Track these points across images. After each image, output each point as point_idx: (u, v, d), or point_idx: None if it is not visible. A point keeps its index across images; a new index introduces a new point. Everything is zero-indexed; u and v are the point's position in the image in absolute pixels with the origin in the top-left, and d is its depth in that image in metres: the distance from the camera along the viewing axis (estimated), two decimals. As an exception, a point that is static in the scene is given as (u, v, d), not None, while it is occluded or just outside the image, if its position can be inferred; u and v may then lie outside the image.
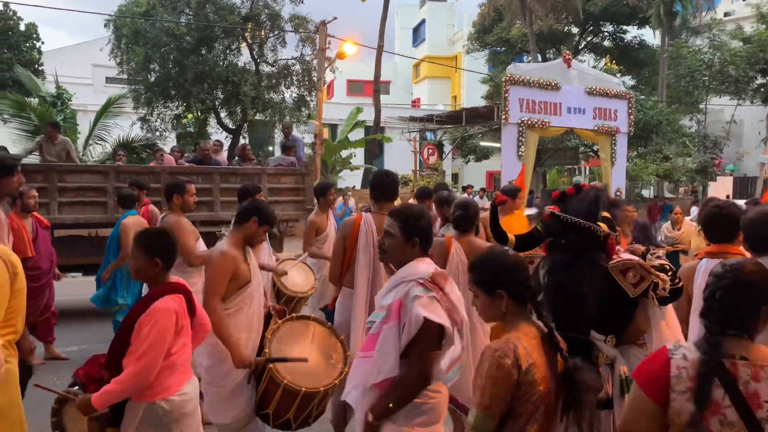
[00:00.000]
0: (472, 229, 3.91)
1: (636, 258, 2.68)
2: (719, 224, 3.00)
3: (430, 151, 23.36)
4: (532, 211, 6.76)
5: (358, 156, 23.48)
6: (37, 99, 15.03)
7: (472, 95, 32.33)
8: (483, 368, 1.99)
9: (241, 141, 20.00)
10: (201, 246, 4.75)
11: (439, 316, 2.31)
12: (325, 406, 3.31)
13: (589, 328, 2.62)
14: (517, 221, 5.72)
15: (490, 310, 2.14)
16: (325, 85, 17.37)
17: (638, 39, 27.94)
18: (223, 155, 9.84)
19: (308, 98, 19.45)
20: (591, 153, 22.03)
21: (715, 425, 1.64)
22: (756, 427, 1.62)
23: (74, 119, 15.91)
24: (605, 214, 2.74)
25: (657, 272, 2.61)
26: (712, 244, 3.07)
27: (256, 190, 5.39)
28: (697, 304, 2.49)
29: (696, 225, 6.61)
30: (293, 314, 3.75)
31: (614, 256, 2.72)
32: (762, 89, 24.74)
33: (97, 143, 15.33)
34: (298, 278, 5.21)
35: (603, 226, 2.65)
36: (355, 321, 3.75)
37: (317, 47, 16.51)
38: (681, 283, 2.58)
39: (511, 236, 2.85)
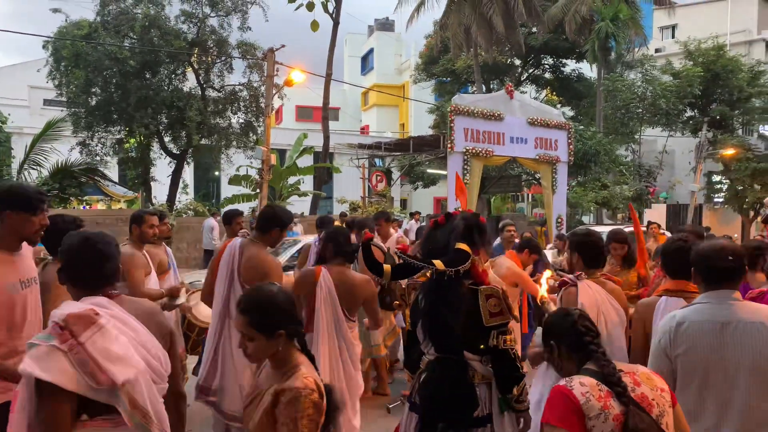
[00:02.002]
0: (346, 261, 3.94)
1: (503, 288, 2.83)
2: (683, 260, 2.73)
3: (379, 177, 23.53)
4: None
5: (307, 182, 23.41)
6: (-32, 121, 14.40)
7: (420, 123, 32.90)
8: (296, 409, 1.88)
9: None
10: (151, 281, 4.49)
11: (50, 371, 1.84)
12: None
13: (461, 349, 2.74)
14: None
15: (266, 351, 2.02)
16: (273, 111, 17.33)
17: (577, 72, 29.21)
18: None
19: (256, 124, 19.33)
20: (533, 181, 22.69)
21: None
22: (655, 425, 1.79)
23: (9, 143, 15.27)
24: (460, 245, 2.79)
25: (511, 317, 2.74)
26: (672, 280, 2.94)
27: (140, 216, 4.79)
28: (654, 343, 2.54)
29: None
30: None
31: (486, 281, 2.84)
32: (690, 121, 26.19)
33: (32, 168, 14.74)
34: (205, 308, 4.79)
35: (438, 263, 2.74)
36: (209, 341, 3.85)
37: (265, 74, 16.50)
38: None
39: (386, 267, 2.91)
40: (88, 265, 2.13)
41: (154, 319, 2.27)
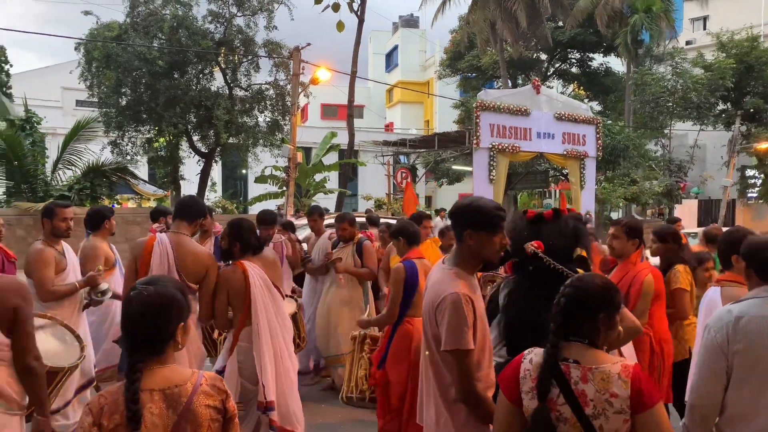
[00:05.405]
0: (258, 251, 3.88)
1: None
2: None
3: (404, 174, 23.54)
4: None
5: (333, 180, 23.52)
6: (4, 123, 14.79)
7: (444, 119, 32.79)
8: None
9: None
10: (69, 276, 4.24)
11: None
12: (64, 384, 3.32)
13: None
14: (427, 250, 5.66)
15: None
16: (299, 110, 17.45)
17: (604, 66, 28.77)
18: None
19: (282, 122, 19.48)
20: (561, 176, 22.45)
21: (552, 421, 1.88)
22: (585, 421, 1.85)
23: (43, 143, 15.64)
24: (582, 252, 2.63)
25: None
26: (727, 271, 3.03)
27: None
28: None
29: None
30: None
31: None
32: (723, 115, 25.60)
33: (67, 167, 15.10)
34: (50, 343, 3.51)
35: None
36: None
37: (291, 72, 16.61)
38: None
39: None
40: None
41: None
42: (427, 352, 2.49)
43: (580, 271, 2.52)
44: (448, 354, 2.31)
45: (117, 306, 4.77)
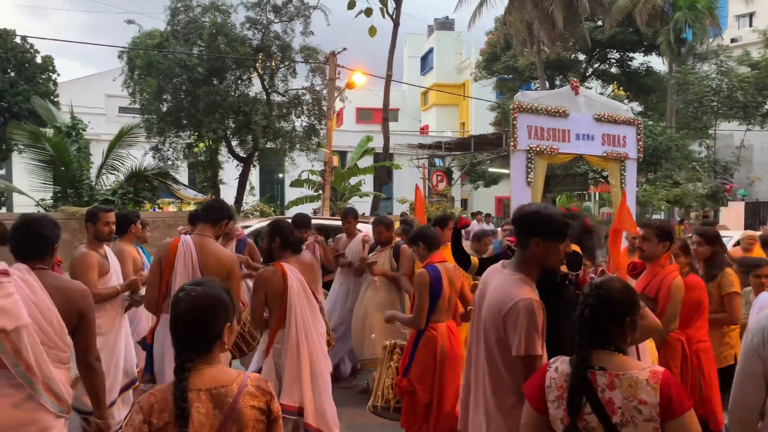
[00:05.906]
0: (299, 250, 3.97)
1: None
2: None
3: (439, 177, 23.43)
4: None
5: (368, 183, 23.57)
6: (52, 129, 15.28)
7: (480, 122, 32.55)
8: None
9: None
10: (112, 279, 4.29)
11: None
12: None
13: None
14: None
15: None
16: (335, 114, 17.57)
17: (645, 66, 28.13)
18: None
19: (318, 127, 19.64)
20: (600, 179, 22.01)
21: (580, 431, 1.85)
22: (613, 430, 1.79)
23: (88, 149, 16.11)
24: (574, 247, 2.62)
25: None
26: None
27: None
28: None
29: None
30: None
31: None
32: (771, 114, 24.73)
33: (111, 173, 15.51)
34: None
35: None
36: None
37: (327, 77, 16.74)
38: None
39: (474, 259, 2.78)
40: (19, 241, 2.62)
41: (64, 295, 2.59)
42: (484, 357, 2.44)
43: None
44: (519, 360, 2.28)
45: (141, 309, 4.85)
